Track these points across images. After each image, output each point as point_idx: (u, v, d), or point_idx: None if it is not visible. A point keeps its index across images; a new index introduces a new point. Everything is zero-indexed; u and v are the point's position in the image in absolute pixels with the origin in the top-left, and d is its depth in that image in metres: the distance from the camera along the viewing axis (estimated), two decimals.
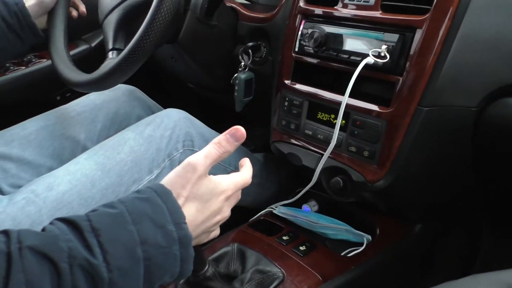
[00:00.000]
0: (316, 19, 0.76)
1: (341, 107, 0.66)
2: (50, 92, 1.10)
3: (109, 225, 0.42)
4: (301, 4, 0.77)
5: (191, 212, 0.48)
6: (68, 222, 0.42)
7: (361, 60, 0.65)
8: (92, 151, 0.78)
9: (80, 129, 0.88)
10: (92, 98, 0.93)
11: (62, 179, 0.72)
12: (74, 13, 0.91)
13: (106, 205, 0.45)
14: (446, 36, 0.61)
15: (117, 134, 0.82)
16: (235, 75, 0.90)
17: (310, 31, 0.74)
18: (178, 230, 0.44)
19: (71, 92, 1.10)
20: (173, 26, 0.81)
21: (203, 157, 0.49)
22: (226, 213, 0.53)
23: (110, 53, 0.79)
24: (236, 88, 0.90)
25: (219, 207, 0.51)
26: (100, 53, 0.88)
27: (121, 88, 0.97)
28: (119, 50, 0.78)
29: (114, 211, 0.43)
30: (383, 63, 0.64)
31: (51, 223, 0.42)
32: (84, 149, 0.85)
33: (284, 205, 0.87)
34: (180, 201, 0.47)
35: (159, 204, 0.44)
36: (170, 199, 0.46)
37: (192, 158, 0.49)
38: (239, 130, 0.51)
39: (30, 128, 0.84)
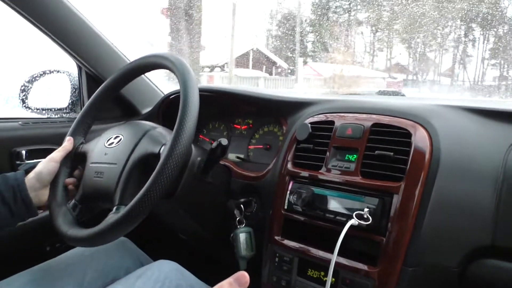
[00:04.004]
0: (303, 180, 0.83)
1: (330, 266, 0.69)
2: (41, 243, 1.09)
3: None
4: (289, 167, 0.86)
5: None
6: None
7: (346, 221, 0.70)
8: None
9: (67, 281, 0.86)
10: (82, 250, 0.93)
11: None
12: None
13: None
14: (421, 200, 0.68)
15: None
16: (234, 231, 0.92)
17: (298, 191, 0.80)
18: None
19: (61, 242, 1.10)
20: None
21: None
22: None
23: (115, 208, 0.77)
24: (235, 245, 0.91)
25: None
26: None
27: None
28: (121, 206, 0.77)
29: None
30: (367, 225, 0.69)
31: None
32: None
33: None
34: None
35: None
36: None
37: None
38: (245, 277, 0.52)
39: (17, 282, 0.82)
